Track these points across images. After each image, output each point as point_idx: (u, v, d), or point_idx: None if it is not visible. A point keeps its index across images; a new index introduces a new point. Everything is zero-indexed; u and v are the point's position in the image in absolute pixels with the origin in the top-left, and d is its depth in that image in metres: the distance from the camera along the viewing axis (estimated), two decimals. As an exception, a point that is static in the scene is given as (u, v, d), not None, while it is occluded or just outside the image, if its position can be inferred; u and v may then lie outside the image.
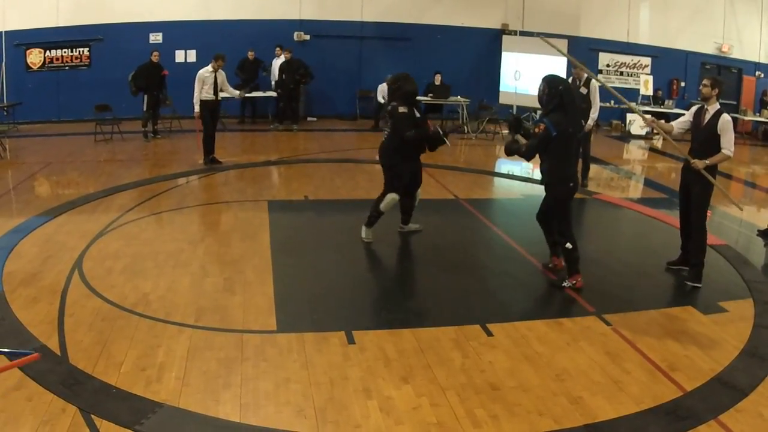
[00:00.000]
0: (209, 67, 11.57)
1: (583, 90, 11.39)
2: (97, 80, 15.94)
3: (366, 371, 4.95)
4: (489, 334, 5.74)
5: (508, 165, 14.30)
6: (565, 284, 6.80)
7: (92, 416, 4.12)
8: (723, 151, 6.97)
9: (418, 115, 7.90)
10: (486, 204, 10.61)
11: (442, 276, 7.26)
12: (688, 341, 5.83)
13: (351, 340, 5.43)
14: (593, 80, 11.46)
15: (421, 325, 5.80)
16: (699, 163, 7.02)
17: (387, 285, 6.93)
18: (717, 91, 7.04)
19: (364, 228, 8.05)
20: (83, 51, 16.05)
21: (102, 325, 5.44)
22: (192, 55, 16.50)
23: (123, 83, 14.15)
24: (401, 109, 7.73)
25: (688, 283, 7.19)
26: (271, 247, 7.66)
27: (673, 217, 9.79)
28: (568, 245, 6.73)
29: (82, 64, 16.14)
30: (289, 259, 7.36)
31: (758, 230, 9.40)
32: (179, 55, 16.44)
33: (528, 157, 6.83)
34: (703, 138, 7.12)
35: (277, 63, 16.67)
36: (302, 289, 6.61)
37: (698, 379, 5.14)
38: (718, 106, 7.07)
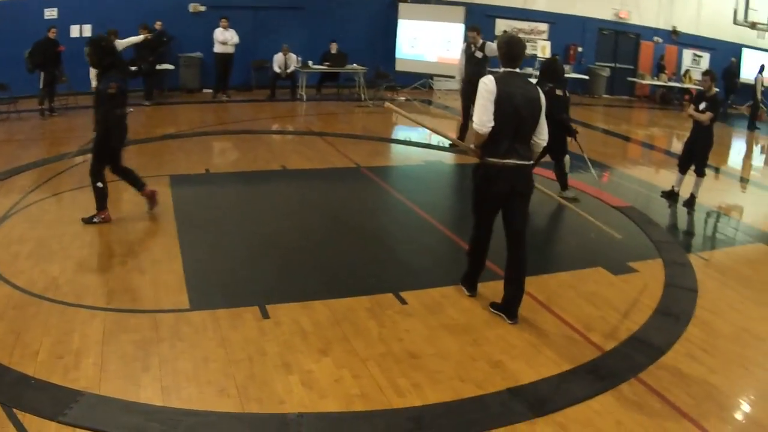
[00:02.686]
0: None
1: (478, 54, 11.67)
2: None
3: (283, 346, 5.03)
4: (403, 302, 5.91)
5: (406, 132, 14.49)
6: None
7: (14, 410, 4.06)
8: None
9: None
10: (387, 171, 10.77)
11: (351, 245, 7.39)
12: (601, 302, 6.09)
13: (265, 315, 5.50)
14: (488, 42, 11.75)
15: (335, 297, 5.90)
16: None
17: (296, 257, 6.94)
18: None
19: (565, 192, 9.15)
20: (-24, 28, 15.22)
21: (13, 314, 5.30)
22: (87, 30, 15.81)
23: (19, 60, 13.55)
24: (558, 92, 8.79)
25: None
26: (176, 222, 7.61)
27: (574, 180, 10.11)
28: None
29: (-25, 40, 15.31)
30: (196, 234, 7.35)
31: (662, 192, 9.86)
32: (74, 30, 15.77)
33: None
34: None
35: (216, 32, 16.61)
36: (211, 264, 6.62)
37: (615, 339, 5.38)
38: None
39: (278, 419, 4.15)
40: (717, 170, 12.50)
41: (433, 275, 6.49)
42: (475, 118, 5.27)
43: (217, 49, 16.63)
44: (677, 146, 15.13)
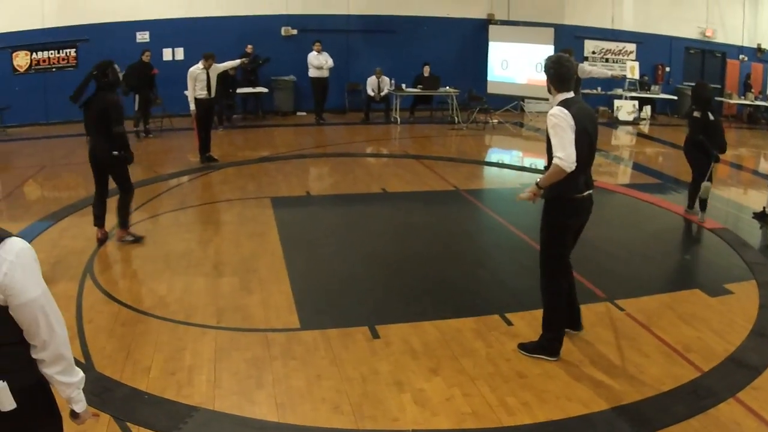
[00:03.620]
0: (200, 65, 11.47)
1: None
2: (86, 81, 15.75)
3: (395, 365, 4.98)
4: (508, 323, 5.82)
5: (499, 154, 14.40)
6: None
7: (127, 424, 4.10)
8: None
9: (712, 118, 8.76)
10: (486, 194, 10.65)
11: (454, 267, 7.31)
12: (699, 323, 5.95)
13: (375, 335, 5.47)
14: (580, 65, 11.73)
15: (441, 317, 5.84)
16: None
17: (401, 278, 6.91)
18: None
19: (700, 213, 9.07)
20: (70, 52, 15.84)
21: (123, 330, 5.41)
22: (180, 53, 16.34)
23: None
24: (695, 114, 8.89)
25: None
26: (281, 244, 7.65)
27: (667, 201, 10.00)
28: None
29: (69, 65, 15.91)
30: (301, 255, 7.36)
31: (753, 213, 9.51)
32: (167, 54, 16.27)
33: None
34: None
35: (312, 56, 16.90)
36: (319, 285, 6.63)
37: (713, 360, 5.25)
38: None
39: (393, 437, 4.09)
40: None
41: (536, 297, 6.25)
42: (560, 153, 4.70)
43: (312, 73, 16.86)
44: (765, 166, 14.80)
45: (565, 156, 4.67)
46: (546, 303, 5.27)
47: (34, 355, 2.35)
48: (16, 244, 2.23)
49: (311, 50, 16.81)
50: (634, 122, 19.24)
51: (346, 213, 9.43)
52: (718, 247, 8.23)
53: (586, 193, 5.05)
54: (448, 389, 4.67)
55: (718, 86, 21.80)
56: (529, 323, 5.75)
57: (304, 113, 17.86)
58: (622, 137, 17.57)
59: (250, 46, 16.63)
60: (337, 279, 6.78)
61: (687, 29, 21.52)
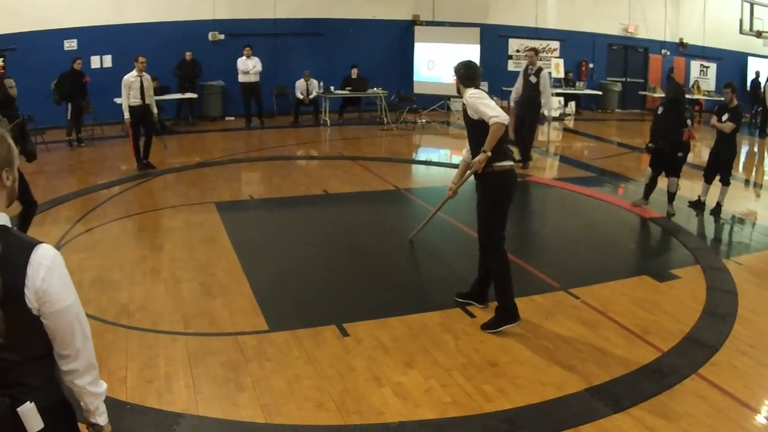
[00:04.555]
0: (134, 72, 11.32)
1: (533, 79, 11.92)
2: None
3: (369, 361, 5.10)
4: (471, 315, 6.01)
5: (432, 153, 14.82)
6: None
7: (114, 434, 4.09)
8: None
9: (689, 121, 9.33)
10: (426, 192, 10.75)
11: (409, 264, 7.51)
12: (652, 307, 6.30)
13: (344, 333, 5.57)
14: (544, 70, 12.16)
15: (405, 313, 5.98)
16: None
17: (359, 277, 7.04)
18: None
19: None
20: (-2, 61, 15.40)
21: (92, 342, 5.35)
22: (108, 60, 16.02)
23: (41, 92, 13.69)
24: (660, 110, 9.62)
25: None
26: (234, 248, 7.66)
27: (603, 193, 10.55)
28: None
29: (-4, 75, 15.45)
30: (255, 258, 7.40)
31: (689, 201, 9.99)
32: (95, 61, 15.93)
33: None
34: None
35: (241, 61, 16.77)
36: (279, 287, 6.67)
37: (671, 340, 5.58)
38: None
39: (382, 429, 4.22)
40: (747, 182, 12.88)
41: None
42: (493, 113, 5.41)
43: (241, 78, 16.78)
44: (691, 156, 15.43)
45: (498, 114, 5.40)
46: (496, 273, 5.70)
47: (64, 367, 2.27)
48: (49, 250, 2.17)
49: (241, 55, 16.74)
50: (560, 118, 19.76)
51: (293, 215, 9.49)
52: (659, 235, 8.71)
53: (512, 164, 5.69)
54: (426, 381, 4.81)
55: (642, 80, 22.63)
56: (490, 314, 5.89)
57: (233, 118, 17.74)
58: (550, 133, 18.02)
59: (189, 53, 16.54)
60: (296, 280, 6.84)
61: (610, 26, 22.29)
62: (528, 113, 12.35)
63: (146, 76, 11.48)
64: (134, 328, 5.61)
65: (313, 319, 5.80)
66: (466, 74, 5.75)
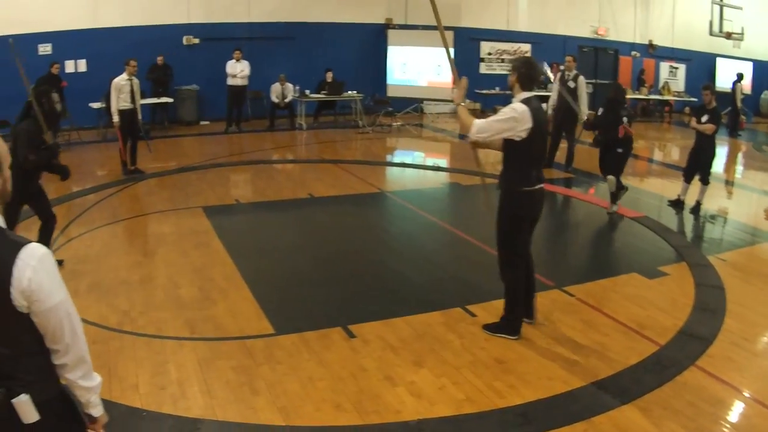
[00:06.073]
0: (124, 75, 11.20)
1: (572, 84, 12.07)
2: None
3: (379, 361, 5.17)
4: (472, 315, 6.12)
5: (410, 156, 15.07)
6: None
7: (135, 442, 4.09)
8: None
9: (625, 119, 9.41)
10: (411, 195, 10.86)
11: (404, 265, 7.51)
12: (645, 303, 6.48)
13: (351, 335, 5.63)
14: (581, 75, 12.39)
15: (408, 314, 6.06)
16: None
17: (357, 279, 7.09)
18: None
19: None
20: (-30, 66, 15.12)
21: (97, 349, 5.28)
22: (82, 65, 15.88)
23: (16, 97, 13.48)
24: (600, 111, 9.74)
25: None
26: (228, 252, 7.66)
27: (583, 194, 10.91)
28: None
29: (-31, 79, 15.19)
30: (251, 262, 7.41)
31: (669, 201, 10.23)
32: (69, 66, 15.75)
33: None
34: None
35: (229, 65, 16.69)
36: (279, 290, 6.70)
37: (667, 334, 5.76)
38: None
39: (402, 428, 4.30)
40: (726, 182, 13.18)
41: (490, 288, 6.54)
42: (481, 124, 5.19)
43: (229, 81, 16.65)
44: (659, 155, 16.16)
45: (478, 129, 5.19)
46: (506, 288, 5.65)
47: (55, 361, 2.32)
48: (37, 249, 2.18)
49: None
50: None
51: (281, 219, 9.51)
52: (643, 233, 8.88)
53: (537, 186, 5.43)
54: (437, 379, 4.90)
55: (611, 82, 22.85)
56: (490, 313, 6.03)
57: (208, 122, 17.66)
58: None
59: (160, 57, 16.43)
60: (295, 283, 6.87)
61: (580, 29, 22.56)
62: (566, 119, 12.54)
63: (135, 80, 11.41)
64: (139, 334, 5.59)
65: (318, 322, 5.85)
66: (528, 74, 5.30)
